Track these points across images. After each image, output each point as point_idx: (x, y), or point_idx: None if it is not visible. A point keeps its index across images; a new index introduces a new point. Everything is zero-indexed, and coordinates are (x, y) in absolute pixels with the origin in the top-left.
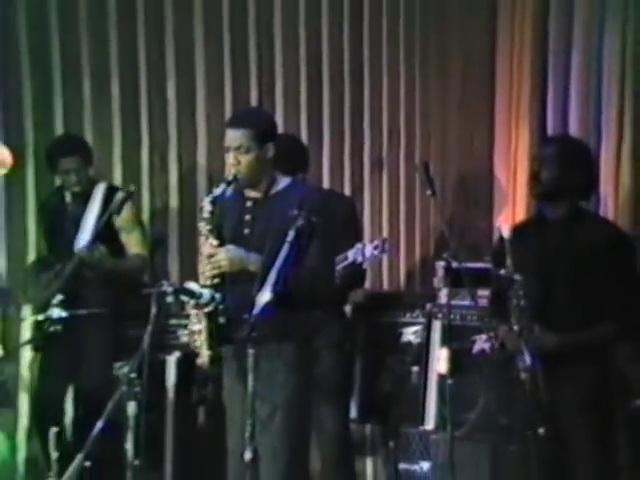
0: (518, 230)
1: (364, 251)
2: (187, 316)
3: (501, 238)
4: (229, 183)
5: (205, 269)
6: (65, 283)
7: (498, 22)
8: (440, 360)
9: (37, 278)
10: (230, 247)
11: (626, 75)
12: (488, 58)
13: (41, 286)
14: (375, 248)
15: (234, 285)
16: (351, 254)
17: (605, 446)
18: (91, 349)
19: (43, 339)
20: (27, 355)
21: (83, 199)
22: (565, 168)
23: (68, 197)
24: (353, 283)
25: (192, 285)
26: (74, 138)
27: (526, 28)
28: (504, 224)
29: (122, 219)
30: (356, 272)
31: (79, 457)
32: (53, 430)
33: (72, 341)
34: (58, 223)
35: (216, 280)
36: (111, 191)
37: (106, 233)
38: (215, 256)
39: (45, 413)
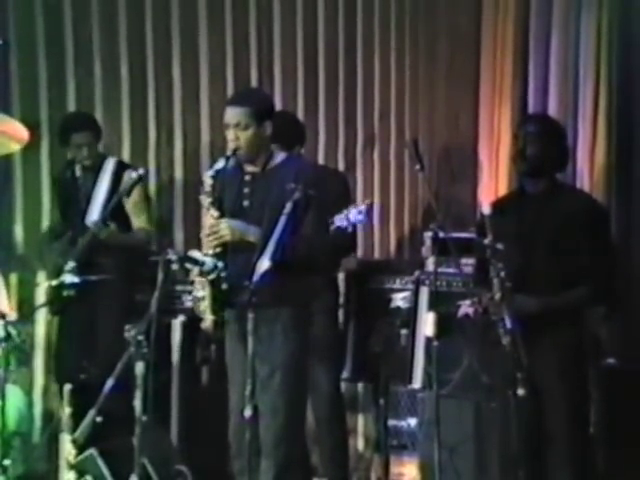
0: (500, 204)
1: (348, 216)
2: (192, 282)
3: (482, 215)
4: (228, 158)
5: (207, 239)
6: (80, 254)
7: (483, 9)
8: (427, 323)
9: (51, 246)
10: (230, 219)
11: (601, 59)
12: (473, 43)
13: (55, 253)
14: (359, 213)
15: (235, 254)
16: (337, 220)
17: (580, 402)
18: (104, 313)
19: (60, 303)
20: (42, 318)
21: (93, 173)
22: (547, 145)
23: (79, 172)
24: (340, 248)
25: (196, 254)
26: (85, 115)
27: (509, 15)
28: (485, 201)
29: (131, 199)
30: (342, 237)
31: (91, 413)
32: (67, 387)
33: (87, 305)
34: (70, 196)
35: (218, 249)
36: (120, 166)
37: (116, 210)
38: (216, 227)
39: (64, 373)
